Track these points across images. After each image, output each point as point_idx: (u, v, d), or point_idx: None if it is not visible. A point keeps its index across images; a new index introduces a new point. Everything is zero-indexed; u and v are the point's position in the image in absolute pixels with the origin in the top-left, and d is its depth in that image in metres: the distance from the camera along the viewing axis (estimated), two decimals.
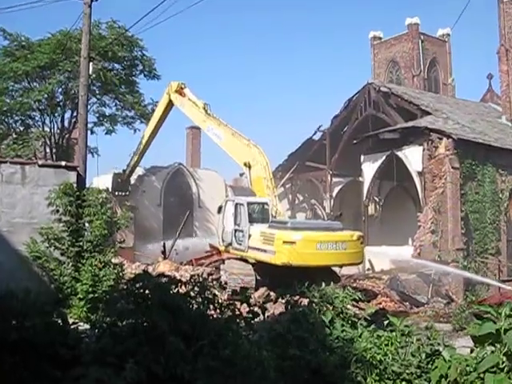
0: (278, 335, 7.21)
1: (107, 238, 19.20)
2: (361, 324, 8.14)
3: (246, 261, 24.53)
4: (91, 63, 21.13)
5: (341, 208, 42.66)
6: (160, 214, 43.50)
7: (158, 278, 7.24)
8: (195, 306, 7.13)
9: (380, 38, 66.16)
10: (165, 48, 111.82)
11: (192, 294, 7.36)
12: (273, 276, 23.01)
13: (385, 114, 38.36)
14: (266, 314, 7.55)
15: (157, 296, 6.70)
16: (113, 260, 19.47)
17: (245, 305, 7.41)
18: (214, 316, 7.22)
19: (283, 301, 8.34)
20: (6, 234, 18.09)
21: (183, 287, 7.50)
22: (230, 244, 25.54)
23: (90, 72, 21.32)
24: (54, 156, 37.26)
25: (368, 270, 34.33)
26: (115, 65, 39.04)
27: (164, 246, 32.21)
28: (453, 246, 31.67)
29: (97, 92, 38.70)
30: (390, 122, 37.24)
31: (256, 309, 7.37)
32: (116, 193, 40.90)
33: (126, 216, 20.95)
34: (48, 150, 38.25)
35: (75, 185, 18.96)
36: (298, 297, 8.99)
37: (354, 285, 27.96)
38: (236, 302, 7.59)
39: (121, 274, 18.37)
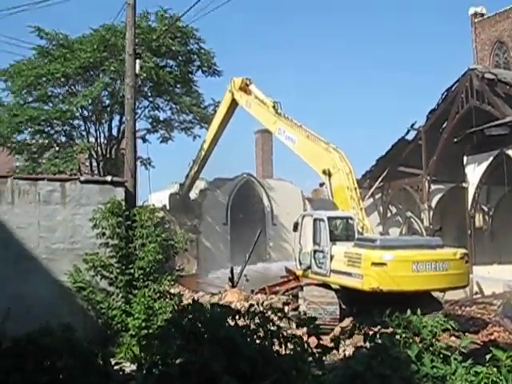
0: (354, 373, 7.09)
1: (163, 265, 19.34)
2: (455, 359, 7.93)
3: (328, 287, 24.32)
4: (138, 60, 21.39)
5: (442, 220, 42.08)
6: (227, 235, 43.75)
7: (212, 309, 7.23)
8: (257, 340, 7.09)
9: (482, 15, 64.76)
10: (224, 39, 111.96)
11: (252, 326, 7.33)
12: (361, 304, 22.73)
13: (491, 105, 37.66)
14: (343, 350, 7.46)
15: (209, 330, 6.69)
16: (171, 290, 19.61)
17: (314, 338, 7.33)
18: (279, 352, 7.16)
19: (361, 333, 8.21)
20: (45, 263, 18.39)
21: (242, 319, 7.47)
22: (309, 267, 25.36)
23: (137, 71, 21.59)
24: (101, 170, 37.83)
25: (476, 293, 33.73)
26: (169, 61, 39.52)
27: (232, 272, 32.24)
28: None
29: (148, 94, 39.24)
30: (497, 115, 36.55)
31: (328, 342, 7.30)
32: (175, 211, 41.38)
33: (185, 238, 21.04)
34: (94, 163, 38.87)
35: (124, 203, 19.14)
36: (378, 327, 8.82)
37: (460, 312, 27.55)
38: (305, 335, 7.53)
39: (179, 306, 18.47)
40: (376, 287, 21.58)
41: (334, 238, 24.51)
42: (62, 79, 36.87)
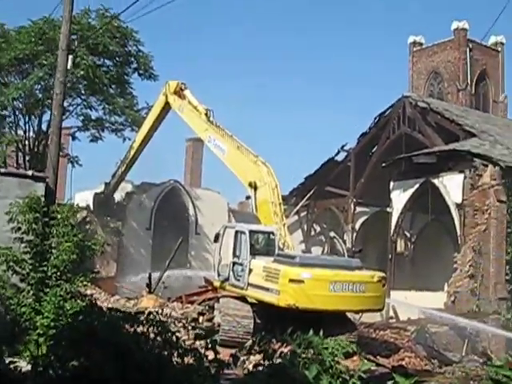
0: None
1: (78, 265, 18.99)
2: (353, 383, 7.87)
3: (245, 300, 24.20)
4: (70, 56, 21.10)
5: (365, 243, 42.37)
6: (149, 240, 43.41)
7: (110, 314, 7.05)
8: (155, 349, 6.94)
9: (421, 44, 65.90)
10: (162, 41, 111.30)
11: (152, 335, 7.18)
12: (275, 320, 22.62)
13: (421, 133, 38.22)
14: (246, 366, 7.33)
15: (103, 335, 6.52)
16: (88, 291, 19.28)
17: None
18: (178, 363, 7.02)
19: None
20: None
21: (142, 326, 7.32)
22: (227, 279, 25.20)
23: (69, 66, 21.29)
24: (27, 164, 37.17)
25: (391, 318, 34.03)
26: (106, 61, 39.14)
27: (150, 278, 31.88)
28: (495, 295, 31.41)
29: (82, 92, 38.75)
30: (426, 144, 37.09)
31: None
32: (99, 212, 40.91)
33: (102, 240, 20.72)
34: (21, 157, 38.19)
35: (43, 198, 18.78)
36: (279, 345, 8.74)
37: (373, 335, 27.73)
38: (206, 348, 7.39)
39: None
40: (292, 304, 21.53)
41: (254, 252, 24.38)
42: None
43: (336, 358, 8.50)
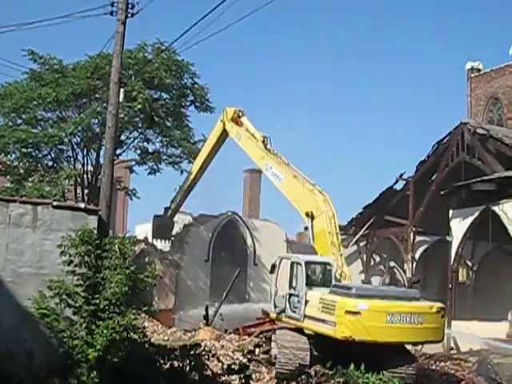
0: None
1: (131, 297, 18.86)
2: None
3: (302, 332, 23.90)
4: (122, 89, 21.14)
5: (425, 272, 41.87)
6: (208, 272, 43.38)
7: (147, 348, 6.85)
8: None
9: (479, 70, 64.89)
10: (217, 71, 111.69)
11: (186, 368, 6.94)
12: (333, 352, 22.28)
13: (481, 160, 37.60)
14: None
15: (135, 369, 6.31)
16: (145, 323, 19.14)
17: None
18: None
19: None
20: (10, 286, 17.90)
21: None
22: (284, 311, 24.97)
23: (121, 99, 21.33)
24: (85, 198, 37.49)
25: (452, 349, 33.30)
26: (162, 94, 39.45)
27: (207, 310, 31.78)
28: None
29: (139, 125, 39.05)
30: (486, 171, 36.45)
31: None
32: (158, 242, 41.08)
33: (154, 273, 20.52)
34: (79, 190, 38.57)
35: (95, 231, 18.73)
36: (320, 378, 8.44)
37: (433, 367, 27.13)
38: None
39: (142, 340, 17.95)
40: (348, 336, 21.14)
41: (310, 283, 24.16)
42: (53, 104, 36.68)
43: None
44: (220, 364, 8.09)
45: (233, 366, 7.25)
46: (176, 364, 6.50)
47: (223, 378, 6.68)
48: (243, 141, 32.27)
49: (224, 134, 34.57)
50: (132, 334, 17.72)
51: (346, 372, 8.74)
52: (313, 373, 20.61)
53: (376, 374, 8.97)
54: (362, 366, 9.30)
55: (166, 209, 40.98)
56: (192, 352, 6.73)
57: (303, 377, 7.59)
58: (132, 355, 6.25)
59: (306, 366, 22.41)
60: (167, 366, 6.40)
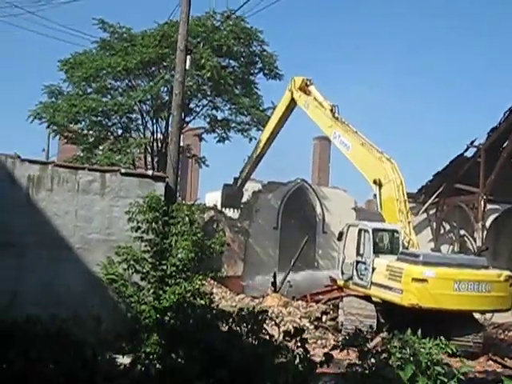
0: None
1: (198, 264, 19.02)
2: None
3: (368, 299, 23.90)
4: (189, 56, 21.21)
5: (496, 241, 41.24)
6: (276, 239, 43.37)
7: (202, 311, 6.91)
8: (246, 348, 6.74)
9: None
10: (289, 39, 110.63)
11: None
12: (399, 320, 22.19)
13: None
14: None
15: (189, 333, 6.36)
16: (214, 290, 19.24)
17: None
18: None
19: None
20: (79, 252, 18.23)
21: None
22: (351, 278, 25.07)
23: (188, 67, 21.40)
24: (155, 166, 37.76)
25: None
26: (230, 62, 39.41)
27: (275, 277, 31.92)
28: None
29: (208, 93, 39.12)
30: None
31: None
32: (226, 210, 41.29)
33: (222, 240, 20.61)
34: (149, 158, 38.88)
35: (163, 198, 18.89)
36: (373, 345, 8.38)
37: (502, 336, 26.85)
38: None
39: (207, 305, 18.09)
40: (415, 303, 21.15)
41: (377, 251, 24.19)
42: (123, 72, 36.88)
43: (435, 358, 8.07)
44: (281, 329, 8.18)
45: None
46: (234, 328, 6.58)
47: (279, 342, 6.69)
48: (311, 110, 32.20)
49: (292, 103, 34.50)
50: (199, 299, 17.95)
51: (403, 337, 8.64)
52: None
53: (433, 340, 8.85)
54: (419, 332, 9.17)
55: (236, 179, 41.13)
56: (251, 316, 6.78)
57: (359, 341, 7.53)
58: (193, 319, 6.33)
59: (372, 333, 22.51)
60: (225, 329, 6.48)
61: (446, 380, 7.47)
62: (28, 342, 7.62)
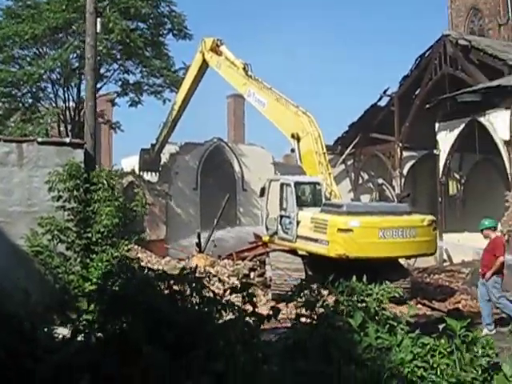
0: (291, 344, 6.63)
1: (122, 229, 18.82)
2: (401, 329, 7.47)
3: (295, 253, 23.95)
4: (99, 19, 20.72)
5: (414, 188, 41.87)
6: (197, 200, 43.31)
7: (142, 273, 6.75)
8: (190, 307, 6.62)
9: None
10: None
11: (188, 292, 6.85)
12: (327, 271, 22.26)
13: (464, 72, 37.11)
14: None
15: (133, 296, 6.20)
16: (138, 254, 19.06)
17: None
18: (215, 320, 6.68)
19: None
20: (1, 226, 17.87)
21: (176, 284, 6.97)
22: (276, 233, 25.01)
23: (98, 30, 20.91)
24: (69, 134, 37.06)
25: (445, 261, 33.50)
26: (139, 24, 38.79)
27: (199, 238, 31.77)
28: None
29: (118, 57, 38.47)
30: (470, 82, 36.02)
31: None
32: (145, 174, 40.98)
33: (143, 201, 20.41)
34: (62, 127, 38.17)
35: (83, 165, 18.56)
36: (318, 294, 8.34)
37: (428, 280, 27.35)
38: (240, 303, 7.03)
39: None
40: (342, 254, 21.24)
41: (300, 204, 24.16)
42: (30, 41, 35.95)
43: (382, 305, 8.11)
44: (221, 286, 8.09)
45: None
46: (176, 288, 6.45)
47: (225, 298, 6.60)
48: (224, 69, 31.99)
49: (204, 65, 34.18)
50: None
51: (349, 284, 8.62)
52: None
53: (379, 285, 8.87)
54: (365, 278, 9.18)
55: (153, 145, 40.79)
56: (190, 275, 6.67)
57: (305, 292, 7.45)
58: (130, 282, 6.17)
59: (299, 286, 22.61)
60: (166, 291, 6.35)
61: (395, 324, 7.51)
62: None
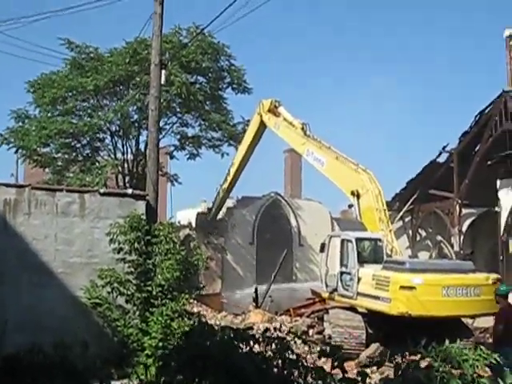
0: None
1: (182, 282, 18.52)
2: None
3: (355, 310, 23.50)
4: (164, 71, 20.74)
5: (473, 245, 41.00)
6: (253, 254, 42.96)
7: (222, 333, 6.38)
8: (274, 369, 6.23)
9: None
10: (255, 57, 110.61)
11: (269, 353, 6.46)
12: (388, 329, 21.81)
13: None
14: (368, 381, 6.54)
15: (216, 356, 5.84)
16: (194, 309, 18.80)
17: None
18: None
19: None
20: (61, 277, 17.72)
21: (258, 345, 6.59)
22: (336, 290, 24.67)
23: (163, 81, 20.93)
24: (127, 186, 37.17)
25: None
26: (199, 77, 39.03)
27: (256, 293, 31.47)
28: None
29: (177, 110, 38.68)
30: None
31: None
32: (201, 230, 40.86)
33: (204, 256, 20.14)
34: (120, 178, 38.31)
35: (144, 217, 18.37)
36: (411, 358, 7.87)
37: (489, 340, 26.51)
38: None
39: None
40: (404, 312, 20.72)
41: (361, 260, 23.82)
42: (91, 92, 36.35)
43: (477, 371, 7.61)
44: (306, 347, 7.74)
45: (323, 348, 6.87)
46: (258, 348, 6.09)
47: (311, 362, 6.21)
48: (282, 130, 32.01)
49: (262, 126, 34.19)
50: (187, 319, 17.43)
51: (442, 348, 8.14)
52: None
53: (474, 350, 8.36)
54: (458, 342, 8.69)
55: (209, 209, 40.79)
56: (275, 334, 6.31)
57: (384, 358, 7.05)
58: (211, 341, 5.83)
59: (362, 344, 22.12)
60: (246, 350, 6.01)
61: None
62: (35, 373, 7.10)
